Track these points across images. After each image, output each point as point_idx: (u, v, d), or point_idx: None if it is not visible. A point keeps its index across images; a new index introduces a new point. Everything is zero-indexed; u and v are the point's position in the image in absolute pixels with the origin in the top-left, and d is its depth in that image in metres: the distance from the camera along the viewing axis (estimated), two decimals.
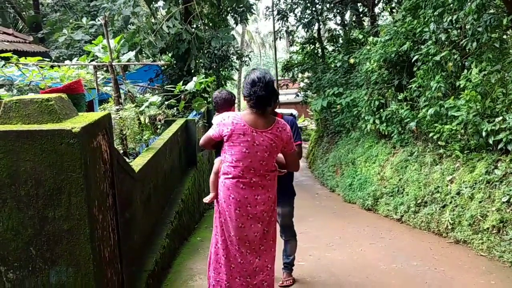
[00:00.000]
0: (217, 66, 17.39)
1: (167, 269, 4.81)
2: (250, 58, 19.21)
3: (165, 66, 13.20)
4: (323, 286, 4.37)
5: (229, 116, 3.23)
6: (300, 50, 17.49)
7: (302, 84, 17.62)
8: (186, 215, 6.29)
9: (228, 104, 3.99)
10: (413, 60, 7.37)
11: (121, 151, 5.37)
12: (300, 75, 17.57)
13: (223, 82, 18.54)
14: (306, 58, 16.74)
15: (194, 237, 6.32)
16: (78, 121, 2.55)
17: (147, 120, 8.11)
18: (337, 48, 15.57)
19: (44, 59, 6.11)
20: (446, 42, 6.68)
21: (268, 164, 3.24)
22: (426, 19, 7.30)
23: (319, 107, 12.56)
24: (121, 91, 7.17)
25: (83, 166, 2.39)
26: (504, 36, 6.80)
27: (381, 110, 9.05)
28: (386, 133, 9.12)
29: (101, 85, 7.26)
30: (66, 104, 2.70)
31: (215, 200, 3.41)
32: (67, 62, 8.25)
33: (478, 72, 5.87)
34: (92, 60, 7.58)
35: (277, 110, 3.88)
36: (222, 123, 3.22)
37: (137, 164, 4.60)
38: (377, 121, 9.18)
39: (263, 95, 3.15)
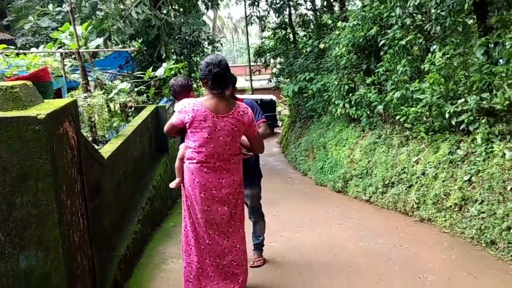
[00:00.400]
0: (188, 52, 17.25)
1: (139, 254, 4.86)
2: (221, 44, 19.15)
3: (135, 53, 13.05)
4: (293, 266, 4.50)
5: (190, 103, 3.28)
6: (272, 36, 17.51)
7: (274, 70, 17.68)
8: (158, 201, 6.33)
9: (185, 90, 4.02)
10: (380, 45, 7.52)
11: (90, 138, 5.35)
12: (272, 60, 17.61)
13: (195, 68, 18.43)
14: (277, 44, 16.78)
15: (166, 223, 6.36)
16: (44, 108, 2.56)
17: (117, 107, 8.05)
18: (308, 33, 15.65)
19: (9, 46, 5.98)
20: (411, 27, 6.85)
21: (231, 148, 3.33)
22: (393, 4, 7.42)
23: (291, 92, 12.68)
24: (90, 79, 7.10)
25: (49, 152, 2.41)
26: (471, 21, 7.00)
27: (351, 94, 9.21)
28: (355, 117, 9.29)
29: (69, 72, 7.16)
30: (31, 91, 2.70)
31: (181, 185, 3.48)
32: (33, 49, 8.08)
33: (442, 56, 6.05)
34: (59, 48, 7.46)
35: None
36: (183, 110, 3.27)
37: (106, 151, 4.61)
38: (347, 105, 9.34)
39: (218, 71, 3.23)
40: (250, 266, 4.34)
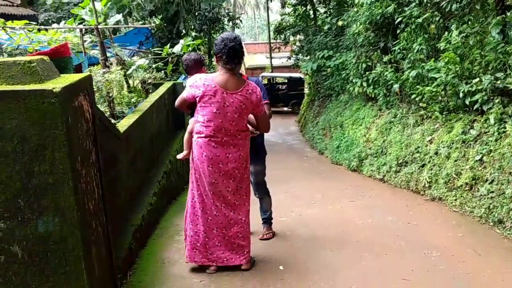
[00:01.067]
0: (208, 28, 17.31)
1: (154, 225, 5.06)
2: (241, 21, 19.10)
3: (155, 29, 13.17)
4: (301, 239, 4.62)
5: (201, 78, 3.42)
6: (292, 12, 17.37)
7: (294, 47, 17.58)
8: (174, 175, 6.51)
9: (198, 65, 4.15)
10: (396, 22, 7.45)
11: (108, 113, 5.51)
12: (292, 37, 17.50)
13: (214, 45, 18.46)
14: (298, 20, 16.66)
15: (182, 197, 6.54)
16: (60, 82, 2.69)
17: (136, 83, 8.21)
18: (329, 10, 15.47)
19: (31, 22, 6.16)
20: (429, 4, 6.76)
21: (238, 125, 3.46)
22: None
23: (310, 70, 12.66)
24: (109, 54, 7.26)
25: (64, 124, 2.55)
26: None
27: (368, 73, 9.17)
28: (373, 96, 9.27)
29: (89, 48, 7.33)
30: (47, 66, 2.83)
31: (190, 158, 3.63)
32: (54, 25, 8.28)
33: (458, 34, 5.98)
34: (80, 23, 7.63)
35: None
36: (194, 85, 3.41)
37: (123, 125, 4.77)
38: (365, 84, 9.31)
39: (233, 46, 3.35)
40: (260, 239, 4.51)
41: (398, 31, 7.55)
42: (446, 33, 6.31)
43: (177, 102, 3.69)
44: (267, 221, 4.68)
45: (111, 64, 7.92)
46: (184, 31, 13.40)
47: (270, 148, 13.02)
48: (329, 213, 5.66)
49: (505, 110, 5.30)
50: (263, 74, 24.63)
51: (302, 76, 22.54)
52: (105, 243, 3.25)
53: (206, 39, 18.60)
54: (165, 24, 13.04)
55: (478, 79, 5.62)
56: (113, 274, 3.36)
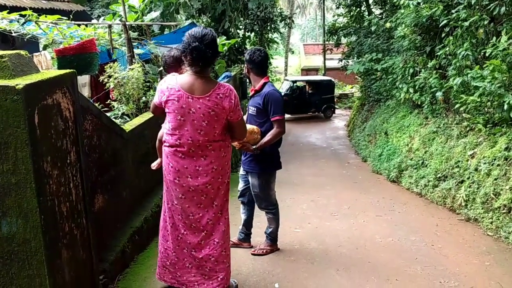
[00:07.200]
0: (260, 28, 17.20)
1: None
2: (293, 21, 18.79)
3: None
4: (308, 255, 4.32)
5: (166, 81, 3.07)
6: (347, 13, 16.84)
7: (346, 49, 17.05)
8: None
9: (177, 63, 3.62)
10: (440, 25, 6.88)
11: (123, 111, 5.43)
12: (344, 39, 16.98)
13: (266, 45, 18.33)
14: (351, 22, 16.13)
15: None
16: (30, 78, 2.59)
17: None
18: (385, 12, 14.83)
19: (62, 17, 6.21)
20: (477, 7, 6.16)
21: (208, 134, 3.02)
22: None
23: (356, 71, 12.21)
24: (141, 51, 7.26)
25: (27, 122, 2.44)
26: None
27: (415, 78, 8.61)
28: (419, 103, 8.70)
29: (123, 44, 7.35)
30: (24, 61, 2.73)
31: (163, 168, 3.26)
32: (94, 21, 8.41)
33: (507, 40, 5.41)
34: (120, 20, 7.70)
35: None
36: (159, 89, 3.07)
37: (133, 124, 4.68)
38: (411, 90, 8.75)
39: (197, 46, 2.87)
40: (251, 253, 4.24)
41: (443, 35, 6.97)
42: (494, 38, 5.72)
43: (151, 108, 3.35)
44: (267, 236, 4.34)
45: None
46: (233, 30, 13.32)
47: (313, 153, 12.78)
48: (349, 228, 5.28)
49: None
50: (287, 78, 23.81)
51: (332, 79, 21.37)
52: (84, 246, 3.13)
53: (259, 39, 18.50)
54: (213, 23, 13.02)
55: None
56: (92, 278, 3.24)
